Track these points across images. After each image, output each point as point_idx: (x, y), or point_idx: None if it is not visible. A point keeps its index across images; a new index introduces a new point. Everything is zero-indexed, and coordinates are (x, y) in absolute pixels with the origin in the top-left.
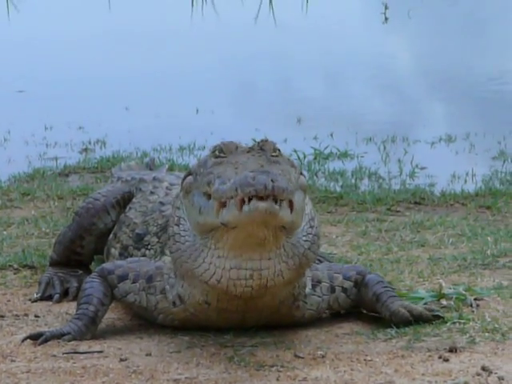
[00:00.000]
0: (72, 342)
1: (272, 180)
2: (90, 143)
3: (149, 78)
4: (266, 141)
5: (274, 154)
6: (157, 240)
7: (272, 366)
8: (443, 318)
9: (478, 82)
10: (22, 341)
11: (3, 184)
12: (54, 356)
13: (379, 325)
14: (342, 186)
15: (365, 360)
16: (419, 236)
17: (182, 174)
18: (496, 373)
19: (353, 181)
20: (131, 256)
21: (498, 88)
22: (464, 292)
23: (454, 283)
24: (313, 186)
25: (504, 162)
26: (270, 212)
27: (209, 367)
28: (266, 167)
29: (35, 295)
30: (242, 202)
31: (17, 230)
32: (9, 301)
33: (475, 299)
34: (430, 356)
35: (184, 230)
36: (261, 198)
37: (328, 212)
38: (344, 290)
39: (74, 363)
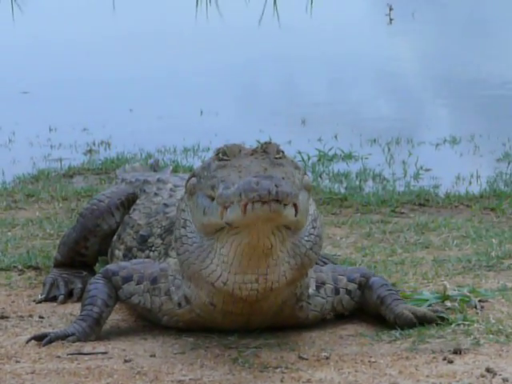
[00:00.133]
0: (76, 343)
1: (276, 185)
2: (94, 144)
3: (153, 80)
4: (270, 143)
5: (277, 156)
6: (161, 241)
7: (276, 368)
8: (447, 318)
9: (482, 84)
10: (27, 342)
11: (8, 185)
12: (59, 357)
13: (383, 326)
14: (346, 188)
15: (369, 361)
16: (424, 238)
17: (187, 176)
18: (500, 374)
19: (357, 182)
20: (135, 257)
21: (502, 90)
22: (468, 294)
23: (459, 285)
24: (317, 188)
25: (509, 163)
26: (274, 210)
27: (213, 368)
28: (269, 170)
29: (40, 296)
30: (246, 205)
31: (21, 231)
32: (13, 302)
33: (480, 301)
34: (434, 358)
35: (191, 232)
36: (264, 203)
37: (332, 214)
38: (348, 292)
39: (79, 364)
